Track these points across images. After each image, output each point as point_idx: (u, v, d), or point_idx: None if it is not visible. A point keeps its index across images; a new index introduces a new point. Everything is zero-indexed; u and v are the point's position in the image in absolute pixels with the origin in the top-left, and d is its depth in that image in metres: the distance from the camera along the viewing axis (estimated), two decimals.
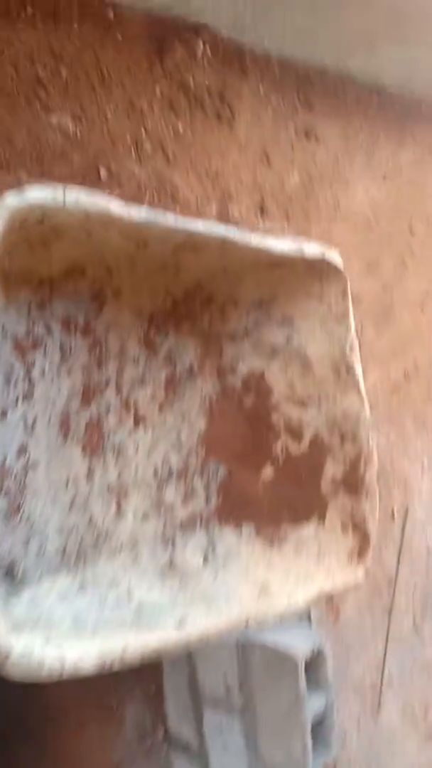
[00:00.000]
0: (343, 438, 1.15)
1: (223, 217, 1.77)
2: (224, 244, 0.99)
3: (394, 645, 2.07)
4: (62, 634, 0.76)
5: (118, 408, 1.01)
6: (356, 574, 1.11)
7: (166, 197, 1.63)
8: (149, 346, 1.07)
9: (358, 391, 1.15)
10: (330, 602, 1.87)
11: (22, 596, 0.83)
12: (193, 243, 0.97)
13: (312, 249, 1.09)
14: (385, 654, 2.03)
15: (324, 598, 1.05)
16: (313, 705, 1.74)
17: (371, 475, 1.15)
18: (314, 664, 1.76)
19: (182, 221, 0.93)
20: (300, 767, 1.73)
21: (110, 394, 1.01)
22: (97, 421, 0.98)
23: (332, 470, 1.16)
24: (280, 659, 1.64)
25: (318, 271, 1.13)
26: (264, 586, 1.05)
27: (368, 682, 1.97)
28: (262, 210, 1.89)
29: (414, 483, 2.22)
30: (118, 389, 1.02)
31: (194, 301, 1.10)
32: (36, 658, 0.69)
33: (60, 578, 0.89)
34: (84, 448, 0.96)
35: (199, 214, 1.70)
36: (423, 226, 2.29)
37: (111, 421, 1.00)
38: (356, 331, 2.08)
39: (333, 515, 1.15)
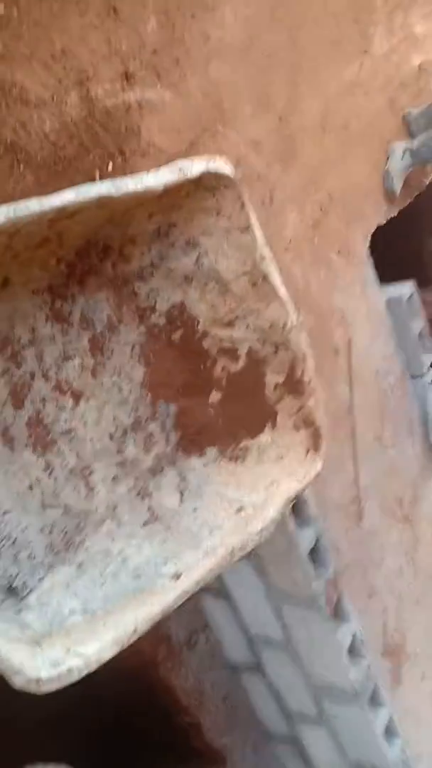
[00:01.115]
0: (276, 347, 1.17)
1: (87, 103, 1.56)
2: (101, 201, 0.90)
3: (362, 460, 2.29)
4: (77, 634, 0.83)
5: (52, 394, 0.99)
6: (315, 465, 1.19)
7: (15, 103, 1.41)
8: (60, 318, 1.01)
9: (279, 299, 1.14)
10: None
11: (30, 602, 0.89)
12: (66, 212, 0.88)
13: (195, 168, 0.99)
14: (356, 470, 2.26)
15: (291, 502, 1.14)
16: (306, 538, 1.96)
17: (309, 374, 1.18)
18: (297, 507, 1.95)
19: (47, 201, 0.83)
20: (306, 588, 2.00)
21: (39, 384, 0.98)
22: (37, 417, 0.97)
23: (273, 379, 1.19)
24: None
25: (207, 185, 1.04)
26: (238, 504, 1.13)
27: (348, 499, 2.22)
28: (128, 77, 1.66)
29: (352, 313, 2.28)
30: (45, 376, 0.98)
31: (90, 256, 1.03)
32: (63, 670, 0.76)
33: (57, 571, 0.94)
34: (34, 449, 0.96)
35: (60, 111, 1.49)
36: (305, 34, 2.06)
37: (50, 410, 0.99)
38: (263, 175, 1.97)
39: (284, 418, 1.20)
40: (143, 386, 1.11)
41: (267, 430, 1.20)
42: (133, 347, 1.10)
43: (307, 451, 1.19)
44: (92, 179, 1.34)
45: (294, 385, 1.17)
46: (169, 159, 1.61)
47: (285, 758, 2.54)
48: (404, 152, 2.54)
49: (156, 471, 1.11)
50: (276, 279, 1.12)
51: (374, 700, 2.18)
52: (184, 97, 1.66)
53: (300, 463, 1.18)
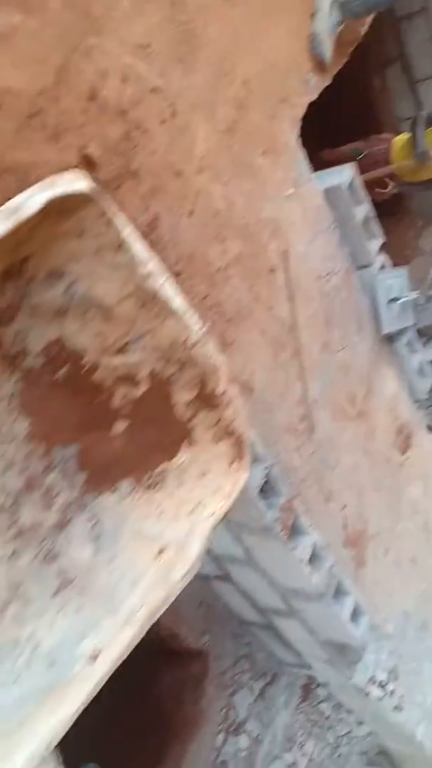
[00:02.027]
0: (180, 365, 1.02)
1: None
2: None
3: (310, 374, 2.21)
4: None
5: None
6: (241, 475, 1.11)
7: None
8: None
9: (175, 314, 0.97)
10: (238, 383, 1.93)
11: None
12: None
13: (31, 204, 0.78)
14: (304, 387, 2.19)
15: (219, 524, 1.07)
16: (255, 478, 1.95)
17: (223, 384, 1.05)
18: None
19: None
20: (260, 520, 2.02)
21: None
22: None
23: (183, 397, 1.06)
24: None
25: (58, 209, 0.83)
26: (159, 543, 1.06)
27: (298, 418, 2.18)
28: None
29: (286, 219, 2.06)
30: None
31: None
32: None
33: None
34: None
35: None
36: None
37: None
38: (158, 86, 1.64)
39: (201, 433, 1.09)
40: (31, 439, 0.98)
41: (184, 448, 1.10)
42: (9, 400, 0.95)
43: (231, 462, 1.10)
44: None
45: (208, 400, 1.05)
46: (32, 102, 1.31)
47: (262, 637, 2.77)
48: (332, 5, 2.12)
49: (63, 524, 1.02)
50: (168, 292, 0.95)
51: (339, 593, 2.33)
52: (38, 13, 1.30)
53: (225, 476, 1.10)
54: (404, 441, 2.92)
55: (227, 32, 1.75)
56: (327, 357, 2.35)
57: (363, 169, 3.47)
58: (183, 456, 1.10)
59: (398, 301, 2.59)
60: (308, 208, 2.18)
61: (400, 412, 2.88)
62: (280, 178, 2.02)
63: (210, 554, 2.35)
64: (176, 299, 0.97)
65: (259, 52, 1.90)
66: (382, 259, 2.57)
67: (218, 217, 1.78)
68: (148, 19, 1.53)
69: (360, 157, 3.60)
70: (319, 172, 2.29)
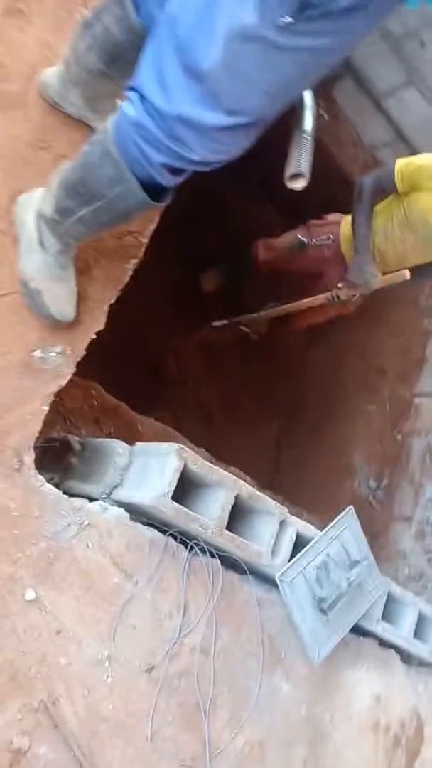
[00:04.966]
0: None
1: None
2: None
3: None
4: None
5: None
6: None
7: None
8: None
9: None
10: None
11: None
12: None
13: None
14: None
15: None
16: None
17: None
18: None
19: None
20: None
21: None
22: None
23: None
24: None
25: None
26: None
27: None
28: None
29: (60, 647, 1.06)
30: None
31: None
32: None
33: None
34: None
35: None
36: None
37: None
38: None
39: None
40: None
41: None
42: None
43: None
44: None
45: None
46: None
47: None
48: (37, 224, 1.03)
49: None
50: None
51: None
52: None
53: None
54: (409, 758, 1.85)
55: None
56: None
57: (313, 282, 2.27)
58: None
59: (334, 605, 1.47)
60: (102, 569, 1.14)
61: (391, 716, 1.80)
62: None
63: None
64: None
65: None
66: (293, 530, 1.45)
67: None
68: None
69: (304, 248, 2.46)
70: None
